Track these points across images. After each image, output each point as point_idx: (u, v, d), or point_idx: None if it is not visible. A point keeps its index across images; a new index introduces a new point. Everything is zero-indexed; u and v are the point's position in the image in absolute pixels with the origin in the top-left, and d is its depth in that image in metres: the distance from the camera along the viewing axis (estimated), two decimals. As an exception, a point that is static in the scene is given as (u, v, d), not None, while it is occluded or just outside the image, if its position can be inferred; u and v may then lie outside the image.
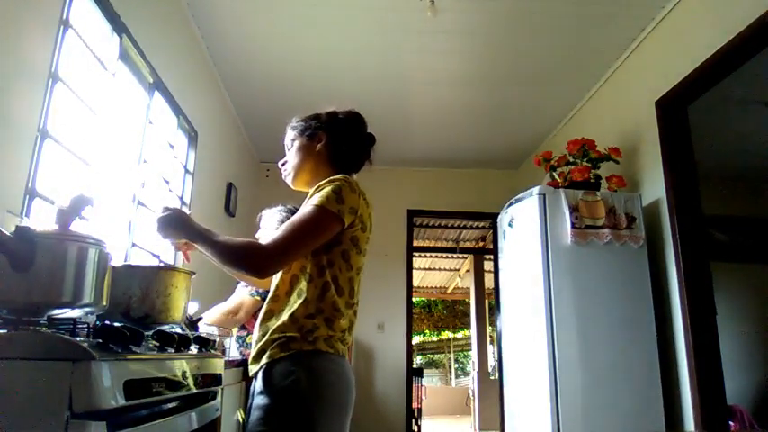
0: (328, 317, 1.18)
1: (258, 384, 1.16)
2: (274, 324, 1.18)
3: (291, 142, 1.38)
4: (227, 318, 2.21)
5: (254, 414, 1.12)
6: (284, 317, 1.17)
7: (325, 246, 1.20)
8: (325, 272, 1.20)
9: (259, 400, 1.13)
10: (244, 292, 2.27)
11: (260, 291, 2.22)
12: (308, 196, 1.25)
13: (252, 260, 1.14)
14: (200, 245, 1.19)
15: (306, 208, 1.20)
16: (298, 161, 1.35)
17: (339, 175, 1.25)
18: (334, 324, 1.19)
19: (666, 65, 2.63)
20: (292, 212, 2.28)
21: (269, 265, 1.15)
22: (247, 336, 2.34)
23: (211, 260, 1.24)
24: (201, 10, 2.74)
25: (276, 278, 1.26)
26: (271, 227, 2.26)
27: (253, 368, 1.20)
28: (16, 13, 1.45)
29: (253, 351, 1.21)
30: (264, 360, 1.15)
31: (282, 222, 2.24)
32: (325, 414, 1.13)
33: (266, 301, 1.25)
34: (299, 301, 1.17)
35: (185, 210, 1.48)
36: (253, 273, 1.16)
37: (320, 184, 1.24)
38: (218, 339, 1.87)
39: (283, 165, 1.39)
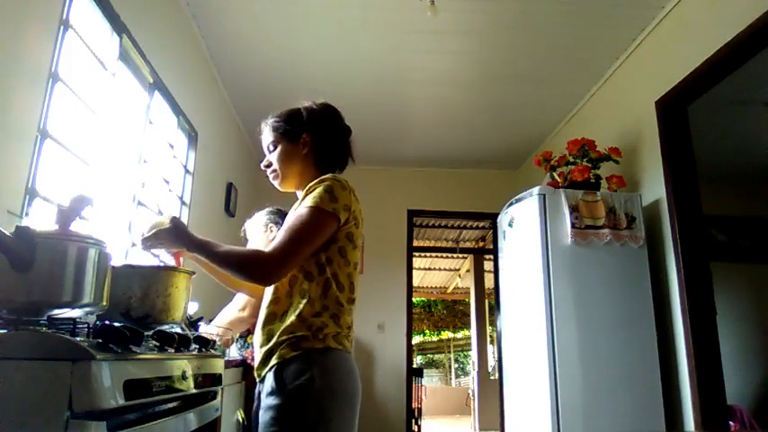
0: (334, 313, 1.19)
1: (268, 385, 1.15)
2: (280, 326, 1.18)
3: (273, 145, 1.36)
4: (237, 316, 2.21)
5: (267, 415, 1.12)
6: (291, 318, 1.17)
7: (323, 244, 1.20)
8: (326, 269, 1.20)
9: (270, 401, 1.12)
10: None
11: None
12: (300, 199, 1.26)
13: (257, 269, 1.14)
14: (200, 255, 1.20)
15: (301, 210, 1.20)
16: (285, 166, 1.35)
17: (328, 175, 1.26)
18: (340, 320, 1.19)
19: (666, 65, 2.63)
20: (273, 212, 2.30)
21: (275, 273, 1.15)
22: (248, 336, 2.33)
23: (207, 269, 1.24)
24: (201, 10, 2.74)
25: None
26: (258, 232, 2.27)
27: (261, 371, 1.19)
28: (16, 13, 1.45)
29: (259, 355, 1.20)
30: (274, 361, 1.15)
31: (268, 225, 2.26)
32: (339, 411, 1.13)
33: (266, 305, 1.24)
34: (304, 301, 1.17)
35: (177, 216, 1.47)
36: (258, 281, 1.16)
37: (310, 185, 1.24)
38: (218, 340, 1.87)
39: (267, 167, 1.38)
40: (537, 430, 2.40)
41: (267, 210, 2.32)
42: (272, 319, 1.21)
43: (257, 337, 1.23)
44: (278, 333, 1.17)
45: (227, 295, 2.33)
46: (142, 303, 1.18)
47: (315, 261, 1.20)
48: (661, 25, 2.70)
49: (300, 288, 1.19)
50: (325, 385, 1.12)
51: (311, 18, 2.82)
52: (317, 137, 1.36)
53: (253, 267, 1.14)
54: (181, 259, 1.37)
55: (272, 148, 1.37)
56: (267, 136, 1.38)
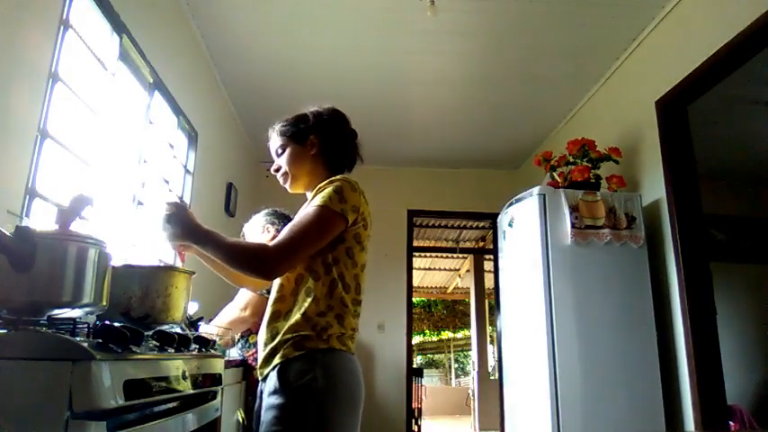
0: (339, 313, 1.19)
1: (271, 384, 1.15)
2: (284, 324, 1.18)
3: (282, 148, 1.38)
4: (238, 315, 2.21)
5: (269, 414, 1.12)
6: (296, 316, 1.17)
7: (330, 244, 1.21)
8: (332, 269, 1.21)
9: (273, 400, 1.13)
10: (249, 291, 2.26)
11: (268, 288, 2.21)
12: (310, 198, 1.27)
13: (261, 263, 1.15)
14: (204, 247, 1.19)
15: (309, 209, 1.20)
16: (295, 167, 1.36)
17: (338, 176, 1.27)
18: (344, 321, 1.20)
19: (666, 65, 2.63)
20: (270, 214, 2.30)
21: (278, 267, 1.16)
22: (249, 336, 2.33)
23: (212, 264, 1.23)
24: (201, 10, 2.74)
25: (280, 278, 1.26)
26: (256, 234, 2.27)
27: (263, 370, 1.19)
28: (16, 13, 1.45)
29: (262, 353, 1.20)
30: (278, 360, 1.15)
31: (265, 226, 2.26)
32: (341, 412, 1.14)
33: (271, 302, 1.24)
34: (309, 300, 1.18)
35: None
36: (261, 275, 1.17)
37: (321, 185, 1.25)
38: (218, 340, 1.87)
39: (277, 171, 1.39)
40: (537, 430, 2.40)
41: (264, 212, 2.33)
42: (276, 317, 1.21)
43: (262, 334, 1.24)
44: (282, 331, 1.17)
45: (228, 295, 2.33)
46: (142, 303, 1.18)
47: (321, 260, 1.21)
48: (661, 25, 2.70)
49: (306, 287, 1.20)
50: (328, 386, 1.12)
51: (311, 18, 2.81)
52: (324, 138, 1.37)
53: (256, 261, 1.15)
54: (185, 255, 1.37)
55: (280, 151, 1.39)
56: (275, 141, 1.40)
